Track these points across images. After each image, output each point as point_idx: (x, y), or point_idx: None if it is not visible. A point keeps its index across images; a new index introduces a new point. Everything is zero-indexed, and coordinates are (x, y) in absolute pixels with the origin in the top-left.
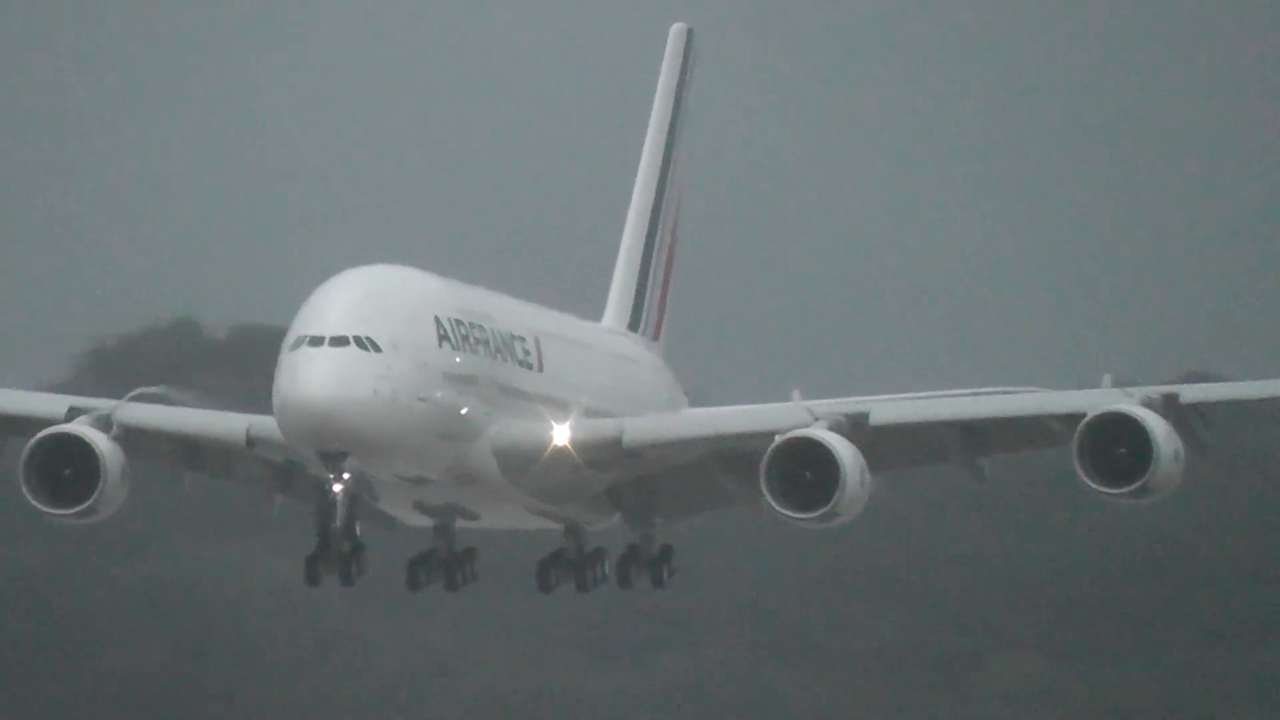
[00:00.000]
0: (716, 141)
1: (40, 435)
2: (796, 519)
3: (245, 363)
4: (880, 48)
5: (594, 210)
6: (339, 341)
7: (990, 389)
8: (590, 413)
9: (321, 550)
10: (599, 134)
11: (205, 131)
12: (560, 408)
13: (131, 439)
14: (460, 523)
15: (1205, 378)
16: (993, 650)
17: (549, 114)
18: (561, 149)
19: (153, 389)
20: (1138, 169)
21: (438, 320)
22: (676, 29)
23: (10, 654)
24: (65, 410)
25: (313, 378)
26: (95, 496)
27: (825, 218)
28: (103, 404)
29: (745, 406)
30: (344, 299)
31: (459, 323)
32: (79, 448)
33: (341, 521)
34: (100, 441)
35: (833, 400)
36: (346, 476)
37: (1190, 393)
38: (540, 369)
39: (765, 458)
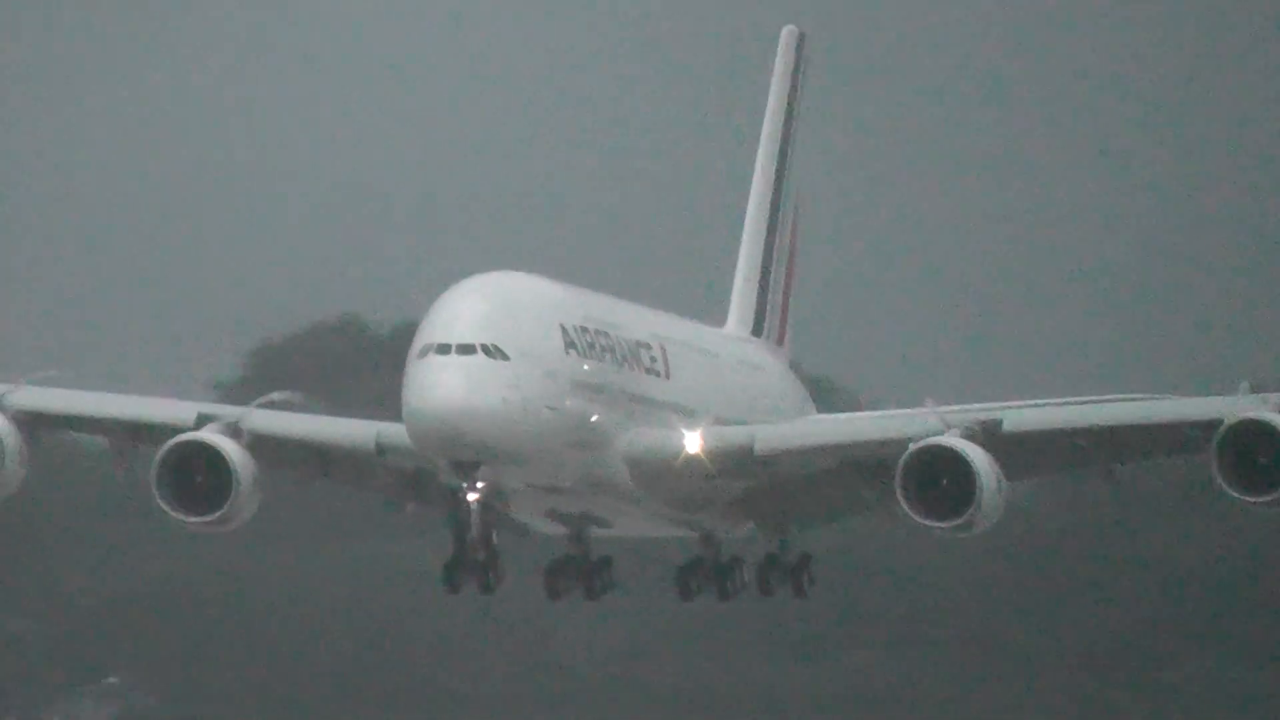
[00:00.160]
0: (840, 140)
1: (172, 442)
2: (934, 527)
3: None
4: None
5: (711, 215)
6: (466, 350)
7: (1116, 396)
8: (719, 420)
9: (458, 557)
10: (717, 137)
11: (369, 131)
12: (689, 416)
13: (260, 446)
14: (594, 530)
15: None
16: (1182, 654)
17: (666, 118)
18: (678, 154)
19: (281, 395)
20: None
21: (563, 328)
22: (787, 32)
23: (196, 651)
24: (194, 417)
25: (442, 387)
26: (229, 504)
27: (947, 222)
28: (231, 411)
29: (876, 413)
30: (470, 307)
31: (584, 330)
32: (211, 455)
33: (477, 530)
34: (232, 449)
35: (963, 406)
36: (480, 485)
37: None
38: (668, 376)
39: (900, 466)
